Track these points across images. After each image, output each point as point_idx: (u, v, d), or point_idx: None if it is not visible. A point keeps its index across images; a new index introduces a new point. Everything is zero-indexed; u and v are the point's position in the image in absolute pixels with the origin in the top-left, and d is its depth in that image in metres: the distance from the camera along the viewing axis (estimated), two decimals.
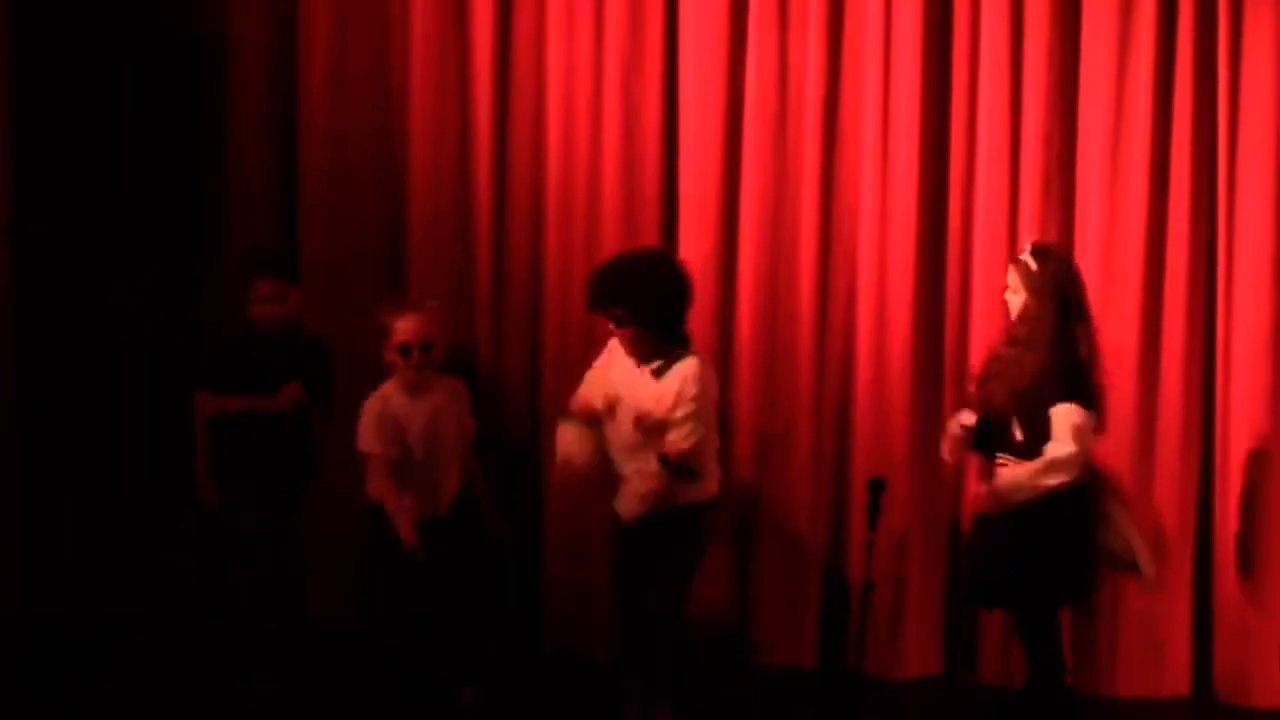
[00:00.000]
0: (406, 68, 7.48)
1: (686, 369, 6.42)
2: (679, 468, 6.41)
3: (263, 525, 6.91)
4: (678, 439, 6.38)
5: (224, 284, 7.41)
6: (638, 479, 6.43)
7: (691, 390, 6.39)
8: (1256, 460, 6.95)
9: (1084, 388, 6.27)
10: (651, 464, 6.40)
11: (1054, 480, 6.21)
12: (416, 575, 6.61)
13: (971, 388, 6.56)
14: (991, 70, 7.02)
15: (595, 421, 6.52)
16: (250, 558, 6.93)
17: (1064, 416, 6.22)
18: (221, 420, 6.86)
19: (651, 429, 6.40)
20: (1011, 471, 6.28)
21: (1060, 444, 6.21)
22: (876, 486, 6.62)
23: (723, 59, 7.23)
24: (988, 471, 6.47)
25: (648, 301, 6.38)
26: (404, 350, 6.59)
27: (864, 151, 7.15)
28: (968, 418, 6.43)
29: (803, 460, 7.26)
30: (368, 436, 6.64)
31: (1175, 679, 7.09)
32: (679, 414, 6.39)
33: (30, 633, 7.47)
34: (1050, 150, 7.00)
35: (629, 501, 6.46)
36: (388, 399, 6.68)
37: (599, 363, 6.63)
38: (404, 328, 6.58)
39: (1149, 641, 7.10)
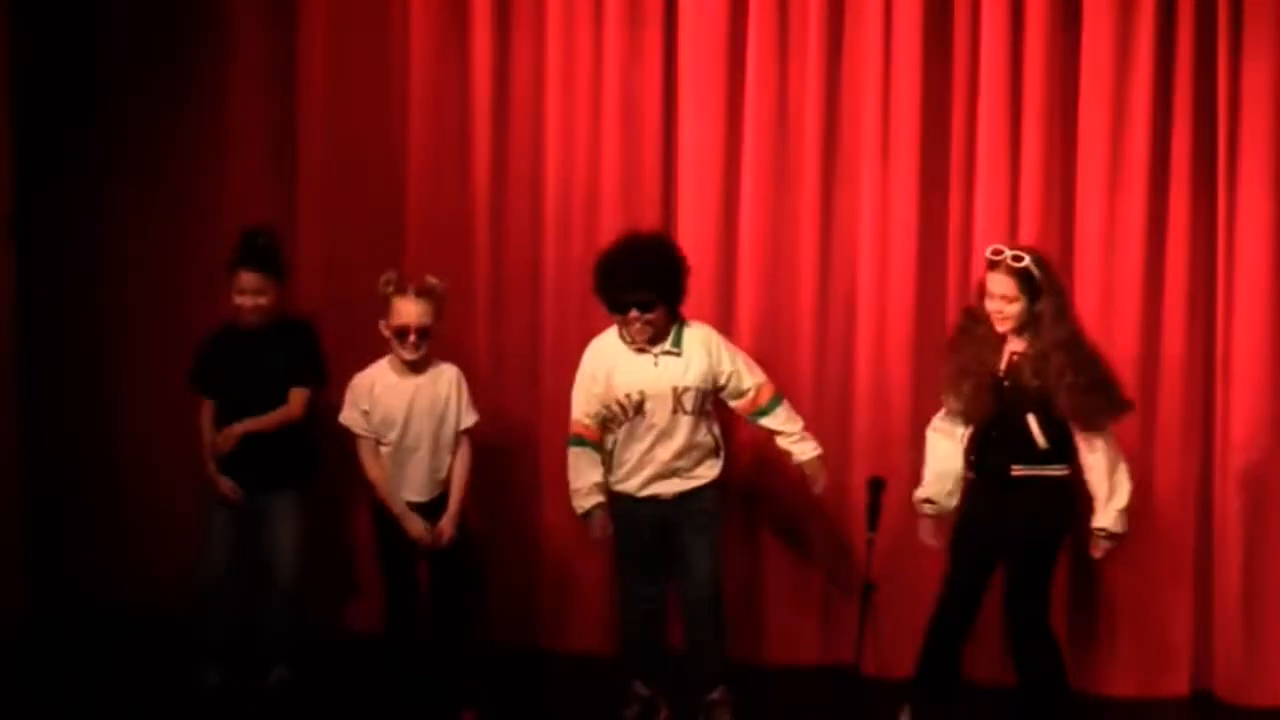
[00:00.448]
0: (406, 63, 7.47)
1: (700, 331, 6.60)
2: (779, 398, 6.64)
3: (261, 519, 6.93)
4: (752, 382, 6.60)
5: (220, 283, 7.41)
6: (795, 426, 6.62)
7: (718, 341, 6.60)
8: (1256, 460, 6.95)
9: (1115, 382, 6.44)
10: (771, 416, 6.60)
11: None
12: (411, 558, 6.66)
13: (956, 404, 6.53)
14: (991, 70, 7.01)
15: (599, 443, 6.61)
16: (248, 551, 6.96)
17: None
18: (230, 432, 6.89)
19: (691, 400, 6.51)
20: (1118, 506, 6.42)
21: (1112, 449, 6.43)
22: (876, 486, 6.63)
23: (722, 56, 7.22)
24: (991, 485, 6.47)
25: (678, 282, 6.51)
26: (400, 333, 6.60)
27: (864, 151, 7.15)
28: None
29: None
30: (348, 410, 6.71)
31: (1175, 679, 7.10)
32: (729, 367, 6.57)
33: (39, 632, 7.48)
34: (1050, 150, 7.00)
35: (810, 441, 6.66)
36: (376, 376, 6.71)
37: (586, 377, 6.60)
38: (404, 310, 6.59)
39: (1149, 641, 7.10)
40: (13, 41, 7.45)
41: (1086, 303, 7.01)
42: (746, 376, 6.60)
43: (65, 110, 7.63)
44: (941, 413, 6.59)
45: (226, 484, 6.89)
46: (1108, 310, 6.99)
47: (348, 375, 7.07)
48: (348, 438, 6.76)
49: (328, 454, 7.13)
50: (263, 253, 6.91)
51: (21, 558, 7.59)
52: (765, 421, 6.66)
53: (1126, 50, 6.92)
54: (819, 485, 6.71)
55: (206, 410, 6.97)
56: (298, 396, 6.91)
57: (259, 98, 7.60)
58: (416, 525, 6.66)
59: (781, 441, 6.67)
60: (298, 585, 7.00)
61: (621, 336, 6.56)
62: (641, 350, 6.54)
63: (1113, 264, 7.00)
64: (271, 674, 6.98)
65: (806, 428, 6.70)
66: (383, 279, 6.66)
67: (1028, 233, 6.99)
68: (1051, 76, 6.97)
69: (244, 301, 6.86)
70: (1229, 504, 7.00)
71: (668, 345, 6.54)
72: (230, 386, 6.92)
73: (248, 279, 6.85)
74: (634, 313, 6.44)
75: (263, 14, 7.58)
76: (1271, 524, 6.97)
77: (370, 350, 6.93)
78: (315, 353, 7.01)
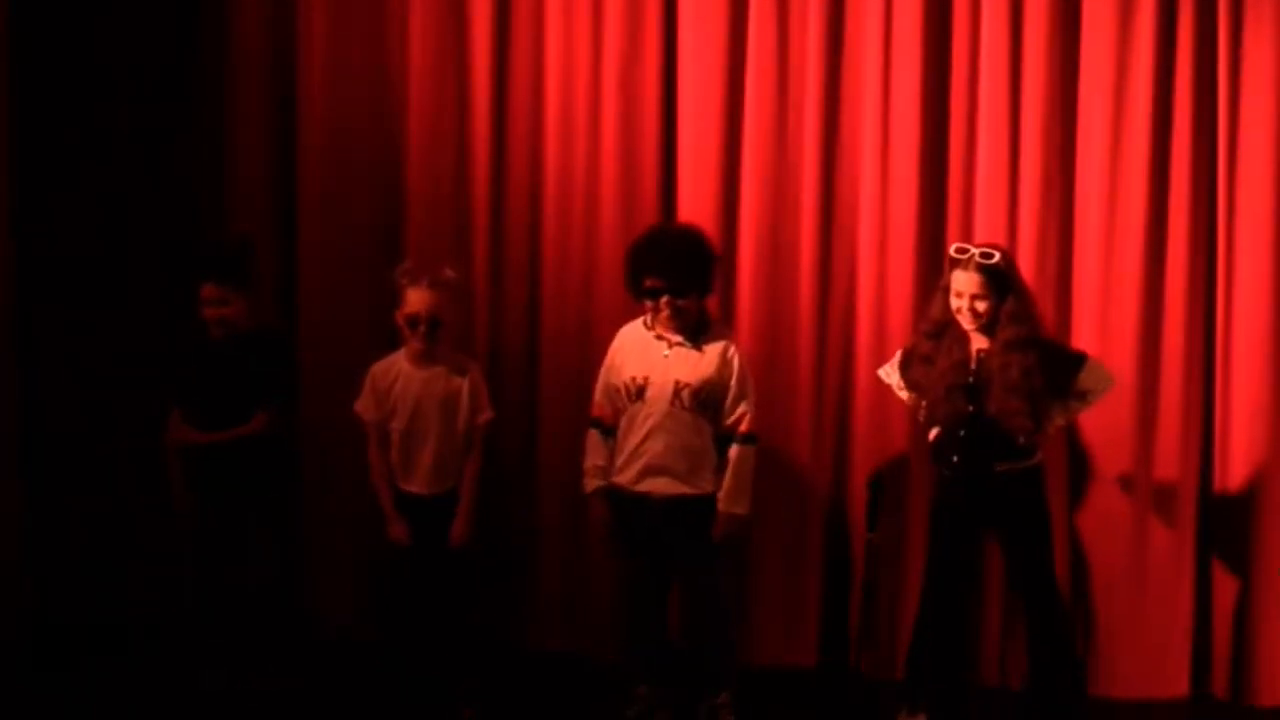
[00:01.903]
0: (405, 60, 7.46)
1: (726, 343, 6.60)
2: (753, 437, 6.57)
3: (237, 531, 6.92)
4: (747, 410, 6.56)
5: None
6: (737, 472, 6.53)
7: (737, 356, 6.58)
8: (1256, 460, 6.95)
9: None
10: (735, 449, 6.53)
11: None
12: (404, 557, 6.67)
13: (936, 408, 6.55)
14: (991, 69, 7.02)
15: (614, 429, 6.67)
16: (225, 562, 6.94)
17: (1091, 367, 6.52)
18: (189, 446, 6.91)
19: (690, 397, 6.51)
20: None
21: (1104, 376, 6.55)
22: (876, 486, 6.62)
23: (722, 52, 7.22)
24: (970, 482, 6.49)
25: (708, 270, 6.55)
26: (412, 322, 6.63)
27: (864, 149, 7.15)
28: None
29: (803, 459, 7.26)
30: (362, 399, 6.74)
31: (1175, 679, 7.10)
32: (735, 383, 6.55)
33: (39, 633, 7.48)
34: (1050, 150, 7.00)
35: (741, 496, 6.56)
36: (390, 365, 6.74)
37: (607, 359, 6.69)
38: (415, 299, 6.61)
39: (1149, 642, 7.10)
40: (12, 41, 7.43)
41: (1086, 302, 7.03)
42: (743, 400, 6.58)
43: (65, 110, 7.61)
44: (897, 382, 6.70)
45: (183, 499, 6.90)
46: (1107, 310, 6.99)
47: (347, 374, 7.08)
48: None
49: (325, 458, 7.12)
50: (221, 263, 6.86)
51: (22, 559, 7.58)
52: (730, 449, 6.57)
53: (1126, 49, 6.92)
54: (717, 535, 6.59)
55: (175, 419, 6.96)
56: (259, 417, 6.88)
57: (259, 96, 7.59)
58: (397, 529, 6.67)
59: (725, 479, 6.57)
60: (274, 595, 7.00)
61: (645, 324, 6.60)
62: (659, 338, 6.56)
63: (1112, 264, 7.00)
64: (259, 679, 6.98)
65: (746, 491, 6.61)
66: (399, 269, 6.70)
67: (1027, 232, 7.01)
68: (1051, 76, 6.97)
69: (208, 313, 6.83)
70: (1229, 504, 7.00)
71: (685, 339, 6.56)
72: (198, 398, 6.91)
73: (208, 290, 6.81)
74: (665, 299, 6.47)
75: (263, 13, 7.57)
76: (1271, 524, 6.97)
77: (370, 350, 6.94)
78: (283, 368, 6.97)
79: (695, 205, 7.27)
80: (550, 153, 7.39)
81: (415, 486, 6.70)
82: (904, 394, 6.69)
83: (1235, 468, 6.99)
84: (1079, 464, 7.10)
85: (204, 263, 6.86)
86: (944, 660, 6.64)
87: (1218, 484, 7.04)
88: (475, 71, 7.43)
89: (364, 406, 6.74)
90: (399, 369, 6.72)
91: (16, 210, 7.49)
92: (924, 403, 6.58)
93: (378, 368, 6.77)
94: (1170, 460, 7.02)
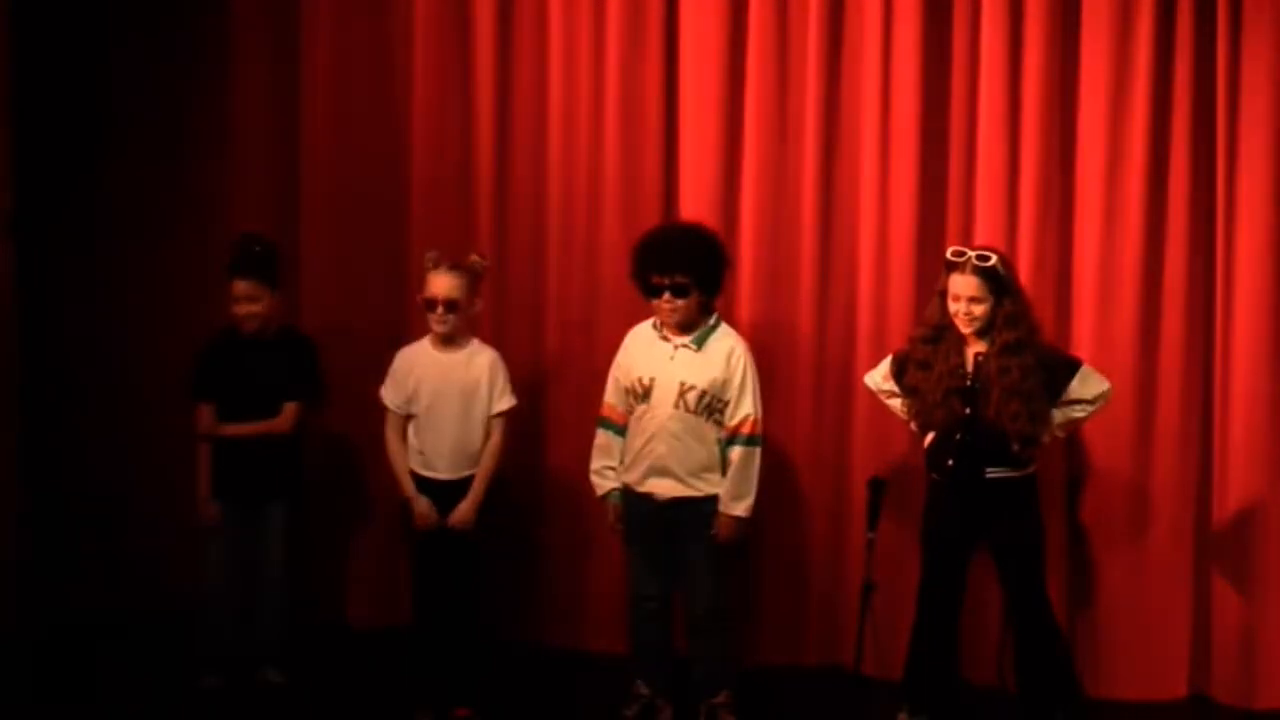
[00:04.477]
0: (410, 54, 7.47)
1: (729, 340, 6.59)
2: (756, 439, 6.55)
3: (255, 528, 6.95)
4: (751, 410, 6.54)
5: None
6: (738, 473, 6.52)
7: (742, 359, 6.56)
8: (1255, 460, 6.96)
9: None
10: (737, 450, 6.51)
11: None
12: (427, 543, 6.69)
13: (937, 413, 6.53)
14: (991, 70, 7.03)
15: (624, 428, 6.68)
16: (243, 560, 6.99)
17: (1085, 374, 6.48)
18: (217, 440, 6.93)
19: (694, 400, 6.50)
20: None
21: (1098, 383, 6.49)
22: (876, 486, 6.63)
23: (722, 56, 7.23)
24: (962, 488, 6.48)
25: (713, 270, 6.54)
26: (429, 305, 6.68)
27: (863, 151, 7.16)
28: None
29: (803, 459, 7.27)
30: (385, 384, 6.78)
31: (1173, 680, 7.10)
32: (737, 385, 6.54)
33: (40, 631, 7.48)
34: (1049, 150, 7.01)
35: (742, 498, 6.55)
36: (414, 350, 6.79)
37: (617, 358, 6.71)
38: (434, 282, 6.68)
39: (1147, 644, 7.10)
40: (12, 33, 7.45)
41: (1086, 303, 7.04)
42: (747, 402, 6.57)
43: (66, 110, 7.63)
44: (888, 389, 6.67)
45: (209, 509, 6.93)
46: (1107, 310, 7.00)
47: (350, 379, 7.10)
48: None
49: (331, 454, 7.08)
50: (254, 260, 6.92)
51: (22, 557, 7.58)
52: (732, 451, 6.58)
53: (1125, 49, 6.93)
54: (719, 536, 6.60)
55: (205, 414, 6.98)
56: (288, 410, 6.92)
57: (263, 99, 7.60)
58: (420, 507, 6.69)
59: (726, 480, 6.59)
60: (285, 591, 7.04)
61: (655, 326, 6.61)
62: (665, 339, 6.57)
63: (1111, 264, 7.01)
64: (263, 675, 6.98)
65: (748, 493, 6.59)
66: (427, 254, 6.77)
67: (1027, 233, 7.02)
68: (1051, 76, 6.98)
69: (239, 309, 6.89)
70: (1227, 506, 7.01)
71: (690, 340, 6.56)
72: (226, 393, 6.94)
73: (240, 286, 6.89)
74: (666, 295, 6.48)
75: (266, 16, 7.59)
76: (1269, 526, 6.98)
77: (374, 355, 6.95)
78: (311, 367, 7.02)
79: (695, 204, 7.28)
80: (553, 148, 7.40)
81: (434, 471, 6.72)
82: (895, 400, 6.68)
83: (1234, 468, 6.99)
84: (1078, 465, 7.11)
85: (235, 259, 6.90)
86: (942, 662, 6.65)
87: (1217, 485, 7.04)
88: (479, 73, 7.44)
89: (386, 392, 6.77)
90: (420, 353, 6.77)
91: (16, 210, 7.50)
92: (917, 408, 6.58)
93: (402, 353, 6.82)
94: (1169, 461, 7.03)
